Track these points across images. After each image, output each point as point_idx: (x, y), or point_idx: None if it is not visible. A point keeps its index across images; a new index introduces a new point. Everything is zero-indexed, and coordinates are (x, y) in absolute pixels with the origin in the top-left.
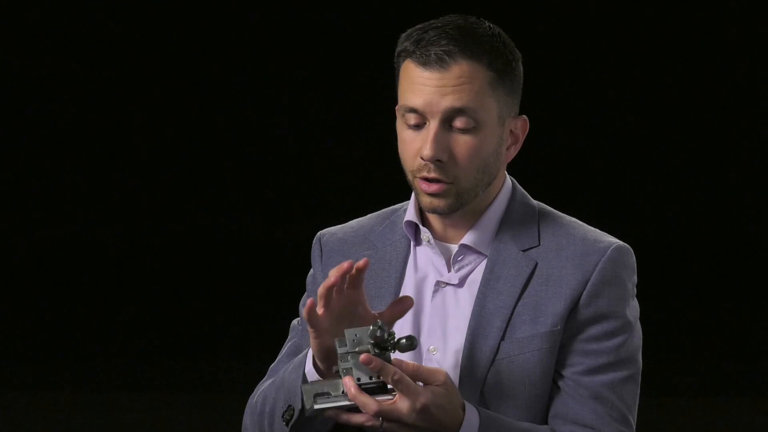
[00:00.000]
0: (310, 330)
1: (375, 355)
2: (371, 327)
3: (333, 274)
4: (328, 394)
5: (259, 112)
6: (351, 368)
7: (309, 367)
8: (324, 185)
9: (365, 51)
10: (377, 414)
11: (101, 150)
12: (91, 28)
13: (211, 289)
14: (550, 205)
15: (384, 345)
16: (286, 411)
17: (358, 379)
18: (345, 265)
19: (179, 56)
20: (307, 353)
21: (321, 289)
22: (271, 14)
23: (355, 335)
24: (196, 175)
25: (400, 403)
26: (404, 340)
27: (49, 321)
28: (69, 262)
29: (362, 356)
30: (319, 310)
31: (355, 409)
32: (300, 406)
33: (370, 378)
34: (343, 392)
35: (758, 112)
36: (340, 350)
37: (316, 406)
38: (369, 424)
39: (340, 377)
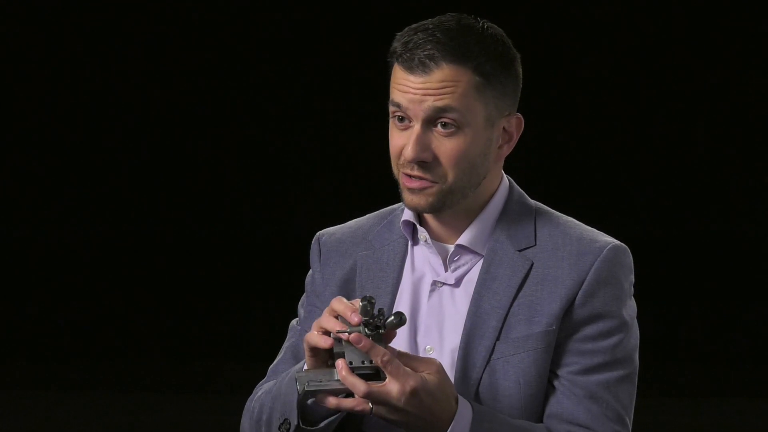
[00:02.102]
0: (306, 350)
1: (366, 336)
2: (361, 303)
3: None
4: (320, 381)
5: (259, 111)
6: (344, 352)
7: None
8: (324, 185)
9: (365, 51)
10: (366, 395)
11: (101, 149)
12: (96, 31)
13: (211, 289)
14: (547, 205)
15: (374, 323)
16: (282, 424)
17: (350, 363)
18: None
19: (180, 56)
20: (302, 366)
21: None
22: (270, 12)
23: None
24: (196, 175)
25: (389, 386)
26: (392, 317)
27: (50, 321)
28: (69, 262)
29: (352, 335)
30: (325, 343)
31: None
32: (296, 422)
33: (363, 363)
34: (336, 379)
35: (758, 111)
36: (333, 335)
37: (308, 388)
38: (359, 409)
39: (335, 368)
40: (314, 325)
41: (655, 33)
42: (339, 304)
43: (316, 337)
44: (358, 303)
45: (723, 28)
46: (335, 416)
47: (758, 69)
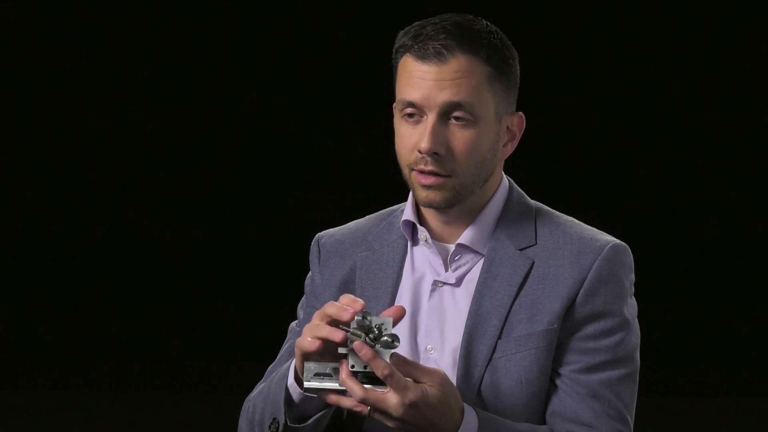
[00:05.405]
0: (296, 351)
1: (367, 344)
2: (356, 318)
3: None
4: (329, 375)
5: (259, 112)
6: (348, 354)
7: (291, 381)
8: (324, 186)
9: (365, 52)
10: (362, 402)
11: (102, 150)
12: (94, 29)
13: (211, 290)
14: (547, 205)
15: (373, 336)
16: (271, 423)
17: (353, 366)
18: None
19: (181, 57)
20: (290, 365)
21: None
22: (270, 13)
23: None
24: (196, 176)
25: (389, 396)
26: (386, 338)
27: (50, 321)
28: (69, 262)
29: (354, 343)
30: (312, 346)
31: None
32: (284, 420)
33: (365, 367)
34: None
35: (758, 111)
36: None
37: (307, 384)
38: (357, 410)
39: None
40: (306, 331)
41: (655, 32)
42: (331, 307)
43: (307, 343)
44: (345, 299)
45: (724, 28)
46: (323, 412)
47: (758, 69)
